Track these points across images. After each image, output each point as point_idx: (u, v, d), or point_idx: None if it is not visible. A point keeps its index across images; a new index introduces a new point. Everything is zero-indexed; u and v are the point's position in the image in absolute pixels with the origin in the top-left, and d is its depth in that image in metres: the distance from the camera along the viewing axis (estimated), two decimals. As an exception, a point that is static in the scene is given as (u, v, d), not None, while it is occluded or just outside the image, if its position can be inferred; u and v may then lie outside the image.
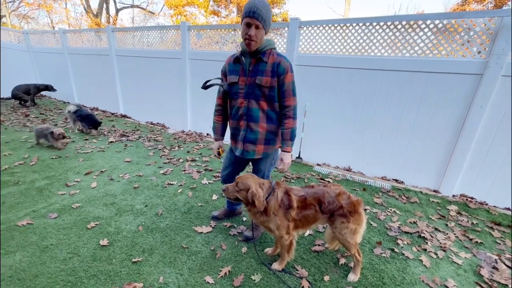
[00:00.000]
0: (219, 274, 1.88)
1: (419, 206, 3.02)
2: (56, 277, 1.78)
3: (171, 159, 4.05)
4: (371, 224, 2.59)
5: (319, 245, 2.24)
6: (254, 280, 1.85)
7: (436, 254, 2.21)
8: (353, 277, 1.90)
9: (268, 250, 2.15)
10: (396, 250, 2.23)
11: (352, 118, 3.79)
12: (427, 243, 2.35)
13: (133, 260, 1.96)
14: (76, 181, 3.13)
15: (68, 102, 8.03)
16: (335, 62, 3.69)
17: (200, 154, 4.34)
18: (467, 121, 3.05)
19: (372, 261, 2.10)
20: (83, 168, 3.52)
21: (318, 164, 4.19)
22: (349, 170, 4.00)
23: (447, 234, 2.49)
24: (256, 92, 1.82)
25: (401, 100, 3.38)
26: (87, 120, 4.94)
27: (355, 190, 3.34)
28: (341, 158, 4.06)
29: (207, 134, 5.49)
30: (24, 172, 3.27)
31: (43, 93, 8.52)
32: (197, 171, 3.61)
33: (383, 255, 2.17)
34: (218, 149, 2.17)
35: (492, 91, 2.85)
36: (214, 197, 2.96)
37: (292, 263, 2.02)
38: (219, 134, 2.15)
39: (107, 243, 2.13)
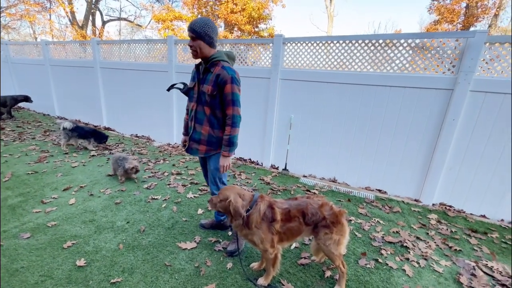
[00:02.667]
0: (203, 293, 1.82)
1: (401, 215, 3.10)
2: (26, 303, 1.66)
3: (155, 172, 3.96)
4: (356, 235, 2.63)
5: (305, 258, 2.23)
6: (239, 297, 1.81)
7: (418, 263, 2.26)
8: (338, 290, 1.90)
9: (254, 265, 2.12)
10: (380, 260, 2.26)
11: (336, 131, 3.90)
12: (409, 252, 2.40)
13: (112, 281, 1.87)
14: (53, 198, 2.98)
15: (48, 115, 7.75)
16: (318, 77, 3.83)
17: (186, 167, 4.28)
18: (442, 133, 3.22)
19: (357, 273, 2.11)
20: (61, 183, 3.36)
21: (304, 176, 4.24)
22: (334, 181, 4.07)
23: (428, 242, 2.56)
24: (202, 98, 2.03)
25: (381, 114, 3.54)
26: (95, 136, 4.85)
27: (340, 201, 3.39)
28: (327, 170, 4.13)
29: (194, 147, 5.44)
30: (-4, 189, 3.09)
31: (21, 105, 8.18)
32: (182, 185, 3.55)
33: (368, 266, 2.19)
34: (184, 143, 2.40)
35: (462, 104, 3.05)
36: (200, 211, 2.90)
37: (278, 278, 2.00)
38: (185, 130, 2.38)
39: (84, 263, 2.02)
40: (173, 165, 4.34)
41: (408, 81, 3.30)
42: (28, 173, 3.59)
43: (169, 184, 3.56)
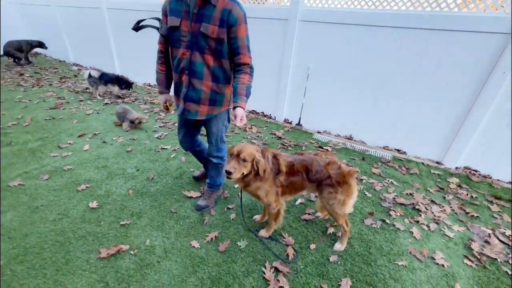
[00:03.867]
0: (205, 239, 1.89)
1: (418, 177, 2.92)
2: (46, 237, 1.82)
3: (166, 122, 3.94)
4: (365, 194, 2.53)
5: (309, 214, 2.21)
6: (240, 246, 1.86)
7: (428, 226, 2.17)
8: (339, 246, 1.89)
9: (257, 217, 2.14)
10: (387, 221, 2.19)
11: (357, 82, 3.49)
12: (420, 215, 2.29)
13: (121, 223, 1.98)
14: (69, 143, 3.09)
15: (64, 61, 7.73)
16: (345, 18, 3.26)
17: (197, 118, 4.20)
18: (486, 87, 2.75)
19: (361, 232, 2.07)
20: (77, 130, 3.46)
21: (318, 132, 4.03)
22: (350, 138, 3.84)
23: (443, 207, 2.42)
24: (201, 43, 1.54)
25: (415, 62, 3.04)
26: (120, 82, 4.81)
27: (353, 159, 3.23)
28: (343, 126, 3.87)
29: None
30: (17, 133, 3.24)
31: (38, 50, 8.16)
32: (192, 136, 3.52)
33: (374, 225, 2.14)
34: (165, 103, 1.96)
35: (520, 54, 2.50)
36: (208, 163, 2.91)
37: (279, 231, 2.02)
38: (164, 86, 1.88)
39: (97, 205, 2.14)
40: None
41: (453, 22, 2.70)
42: (46, 119, 3.70)
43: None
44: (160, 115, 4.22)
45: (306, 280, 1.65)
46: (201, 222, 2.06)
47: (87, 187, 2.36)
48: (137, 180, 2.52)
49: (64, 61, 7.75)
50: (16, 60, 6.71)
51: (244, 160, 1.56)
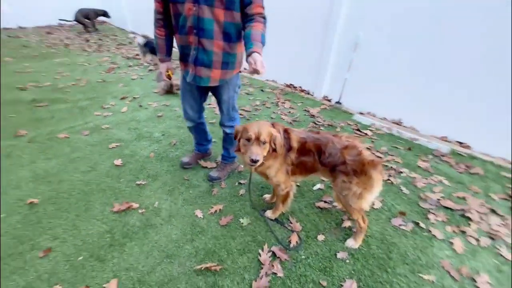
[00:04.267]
0: (209, 210, 1.87)
1: (480, 179, 2.33)
2: (74, 185, 2.04)
3: (200, 91, 3.96)
4: (401, 190, 2.14)
5: (325, 201, 1.98)
6: (242, 223, 1.78)
7: (477, 240, 1.72)
8: (352, 243, 1.65)
9: (267, 196, 2.01)
10: (422, 225, 1.82)
11: (416, 57, 2.84)
12: (470, 225, 1.84)
13: (138, 182, 2.09)
14: (111, 105, 3.37)
15: (124, 29, 8.34)
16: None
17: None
18: None
19: (384, 232, 1.77)
20: (120, 92, 3.73)
21: (360, 113, 3.54)
22: (398, 123, 3.27)
23: (506, 220, 1.89)
24: None
25: (493, 37, 2.28)
26: None
27: (396, 147, 2.75)
28: (392, 108, 3.29)
29: (245, 69, 5.10)
30: (74, 92, 3.66)
31: (102, 19, 8.96)
32: (221, 107, 3.47)
33: (402, 227, 1.80)
34: (167, 71, 1.82)
35: None
36: (231, 135, 2.84)
37: (287, 215, 1.86)
38: (164, 52, 1.72)
39: (121, 163, 2.29)
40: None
41: None
42: (98, 81, 4.09)
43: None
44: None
45: (304, 271, 1.49)
46: (210, 193, 2.04)
47: (117, 145, 2.55)
48: (160, 144, 2.61)
49: (124, 29, 8.38)
50: (85, 27, 7.49)
51: (264, 142, 1.38)
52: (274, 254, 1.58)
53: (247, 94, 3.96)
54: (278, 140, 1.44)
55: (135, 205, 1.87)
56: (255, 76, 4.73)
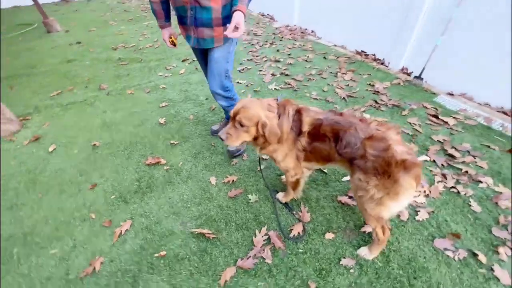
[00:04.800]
0: (223, 179, 1.88)
1: None
2: (126, 136, 2.39)
3: (256, 56, 3.79)
4: (469, 205, 1.59)
5: (350, 197, 1.68)
6: (250, 199, 1.73)
7: None
8: (365, 252, 1.37)
9: (284, 177, 1.86)
10: (481, 258, 1.32)
11: None
12: None
13: (172, 141, 2.27)
14: (173, 66, 3.65)
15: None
16: None
17: (289, 55, 3.76)
18: None
19: (417, 251, 1.38)
20: (183, 55, 3.98)
21: (449, 93, 2.67)
22: (506, 113, 2.32)
23: None
24: None
25: None
26: None
27: (488, 147, 1.99)
28: (501, 91, 2.33)
29: (312, 31, 4.53)
30: (148, 53, 4.13)
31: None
32: (271, 74, 3.25)
33: (448, 253, 1.36)
34: (170, 37, 1.71)
35: None
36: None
37: (301, 201, 1.68)
38: (163, 17, 1.63)
39: (164, 122, 2.52)
40: (277, 50, 3.93)
41: None
42: (170, 43, 4.45)
43: (260, 71, 3.36)
44: (255, 47, 4.08)
45: (294, 265, 1.36)
46: (229, 163, 2.03)
47: (166, 105, 2.79)
48: (201, 108, 2.71)
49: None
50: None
51: (242, 125, 1.24)
52: (269, 239, 1.49)
53: (305, 61, 3.55)
54: (269, 128, 1.23)
55: (163, 161, 2.06)
56: (298, 39, 4.17)
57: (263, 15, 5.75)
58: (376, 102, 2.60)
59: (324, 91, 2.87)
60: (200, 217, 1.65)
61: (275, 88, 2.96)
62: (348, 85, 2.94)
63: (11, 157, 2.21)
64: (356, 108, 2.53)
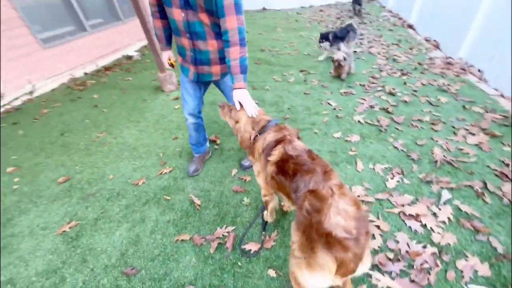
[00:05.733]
0: (240, 176, 2.14)
1: None
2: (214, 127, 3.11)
3: (372, 83, 3.43)
4: None
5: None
6: (243, 200, 1.90)
7: None
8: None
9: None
10: None
11: None
12: None
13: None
14: (289, 74, 4.05)
15: (383, 6, 8.05)
16: None
17: (414, 91, 3.12)
18: None
19: None
20: (306, 66, 4.25)
21: None
22: None
23: None
24: (191, 2, 1.35)
25: None
26: None
27: None
28: None
29: (479, 71, 3.37)
30: (282, 59, 4.74)
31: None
32: (370, 106, 2.91)
33: None
34: (169, 59, 1.83)
35: None
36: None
37: (275, 225, 1.66)
38: (164, 42, 1.76)
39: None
40: (404, 83, 3.34)
41: None
42: (304, 54, 4.84)
43: (362, 99, 3.07)
44: (380, 74, 3.66)
45: (223, 271, 1.47)
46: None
47: (257, 103, 3.27)
48: (278, 114, 2.97)
49: (384, 6, 8.11)
50: (356, 9, 7.34)
51: (231, 117, 1.49)
52: (223, 237, 1.65)
53: (429, 103, 2.84)
54: (240, 132, 1.42)
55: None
56: (447, 76, 3.07)
57: (427, 40, 4.81)
58: (483, 193, 1.78)
59: (417, 144, 2.27)
60: (205, 190, 2.04)
61: (359, 121, 2.67)
62: (462, 149, 2.14)
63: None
64: (431, 179, 1.88)
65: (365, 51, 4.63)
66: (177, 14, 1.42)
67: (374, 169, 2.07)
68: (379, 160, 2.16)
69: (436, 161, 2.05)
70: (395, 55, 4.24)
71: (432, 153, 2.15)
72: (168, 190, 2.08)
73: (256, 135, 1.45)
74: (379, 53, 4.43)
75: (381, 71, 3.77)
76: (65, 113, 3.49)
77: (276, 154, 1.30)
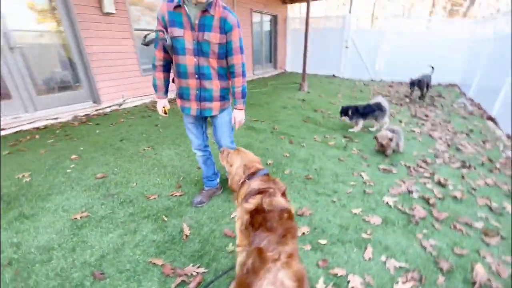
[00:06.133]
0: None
1: None
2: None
3: (421, 168, 3.05)
4: None
5: None
6: (227, 249, 1.82)
7: None
8: None
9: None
10: None
11: None
12: None
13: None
14: (325, 137, 4.00)
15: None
16: None
17: (473, 191, 2.61)
18: None
19: None
20: (351, 134, 4.14)
21: None
22: None
23: None
24: (206, 49, 1.71)
25: None
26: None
27: None
28: None
29: None
30: (324, 121, 4.76)
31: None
32: (408, 190, 2.55)
33: None
34: (163, 107, 1.94)
35: None
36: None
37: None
38: (163, 91, 1.95)
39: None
40: (462, 177, 2.85)
41: None
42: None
43: (401, 181, 2.74)
44: (435, 166, 3.25)
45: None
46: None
47: (270, 163, 3.30)
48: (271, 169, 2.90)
49: (464, 93, 7.49)
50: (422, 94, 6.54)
51: (227, 161, 1.58)
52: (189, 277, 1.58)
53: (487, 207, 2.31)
54: (230, 177, 1.49)
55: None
56: None
57: (510, 137, 4.11)
58: None
59: (454, 252, 1.83)
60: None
61: (387, 203, 2.36)
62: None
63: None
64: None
65: (424, 132, 4.25)
66: (190, 60, 1.72)
67: (385, 263, 1.73)
68: (395, 255, 1.80)
69: (475, 283, 1.58)
70: (461, 144, 3.73)
71: (472, 271, 1.68)
72: (169, 211, 2.19)
73: (245, 180, 1.47)
74: (440, 138, 3.99)
75: (436, 157, 3.35)
76: (133, 125, 4.24)
77: (252, 203, 1.29)
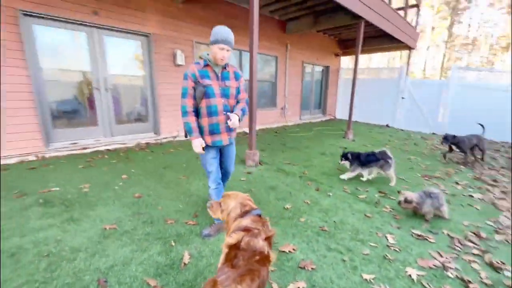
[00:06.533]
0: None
1: None
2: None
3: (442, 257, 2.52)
4: None
5: None
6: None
7: None
8: None
9: None
10: None
11: None
12: None
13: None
14: (331, 187, 3.70)
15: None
16: None
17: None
18: None
19: None
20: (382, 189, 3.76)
21: None
22: None
23: None
24: (227, 93, 2.31)
25: None
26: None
27: None
28: None
29: None
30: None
31: None
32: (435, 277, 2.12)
33: None
34: (202, 145, 2.28)
35: None
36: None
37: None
38: (197, 131, 2.27)
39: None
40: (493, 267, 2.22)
41: None
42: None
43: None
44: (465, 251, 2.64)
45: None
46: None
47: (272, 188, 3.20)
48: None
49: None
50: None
51: (222, 209, 1.67)
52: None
53: None
54: (226, 220, 1.62)
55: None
56: None
57: None
58: None
59: None
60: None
61: (410, 275, 2.01)
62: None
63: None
64: None
65: (487, 200, 3.53)
66: (219, 102, 2.26)
67: None
68: None
69: None
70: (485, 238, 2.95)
71: None
72: (179, 238, 2.37)
73: (238, 217, 1.57)
74: (508, 210, 3.24)
75: (496, 232, 2.72)
76: (178, 155, 4.84)
77: (234, 238, 1.37)
